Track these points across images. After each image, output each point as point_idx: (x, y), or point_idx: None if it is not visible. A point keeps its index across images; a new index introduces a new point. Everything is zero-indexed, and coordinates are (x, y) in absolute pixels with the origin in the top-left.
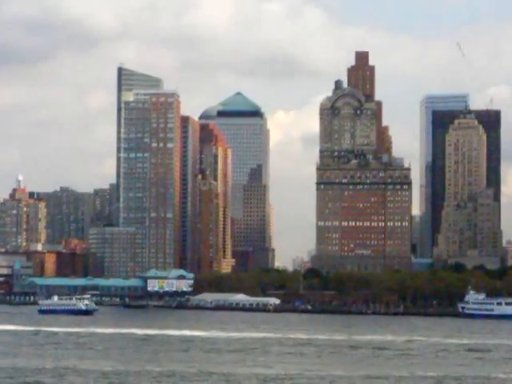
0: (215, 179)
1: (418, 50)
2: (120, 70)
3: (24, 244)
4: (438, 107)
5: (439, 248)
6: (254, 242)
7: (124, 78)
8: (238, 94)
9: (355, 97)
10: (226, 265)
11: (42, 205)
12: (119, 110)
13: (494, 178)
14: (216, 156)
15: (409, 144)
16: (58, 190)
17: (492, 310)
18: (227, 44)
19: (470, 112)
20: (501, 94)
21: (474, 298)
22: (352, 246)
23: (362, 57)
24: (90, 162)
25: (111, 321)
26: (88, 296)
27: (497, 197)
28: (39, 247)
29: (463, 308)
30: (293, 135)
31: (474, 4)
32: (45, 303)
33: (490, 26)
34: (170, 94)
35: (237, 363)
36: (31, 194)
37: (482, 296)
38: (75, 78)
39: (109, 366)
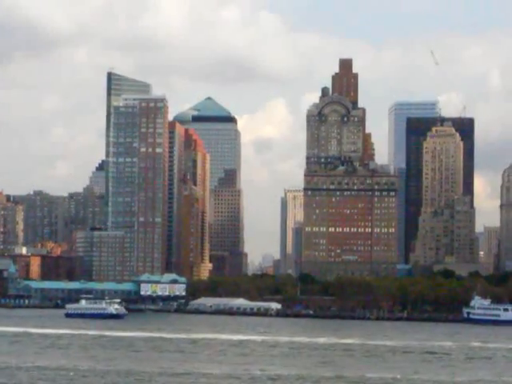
0: (194, 184)
1: (372, 55)
2: (109, 75)
3: (1, 247)
4: (407, 114)
5: (416, 254)
6: (229, 247)
7: (113, 82)
8: (209, 99)
9: (342, 104)
10: (204, 269)
11: (19, 208)
12: (108, 114)
13: (468, 185)
14: (195, 161)
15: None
16: (32, 193)
17: (498, 315)
18: (183, 48)
19: (446, 119)
20: (454, 101)
21: (479, 304)
22: (339, 251)
23: (345, 64)
24: (43, 165)
25: (166, 325)
26: (118, 300)
27: (471, 204)
28: (24, 250)
29: (468, 313)
30: (244, 140)
31: (424, 12)
32: (72, 307)
33: (441, 33)
34: (159, 99)
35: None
36: (7, 197)
37: (487, 302)
38: (30, 80)
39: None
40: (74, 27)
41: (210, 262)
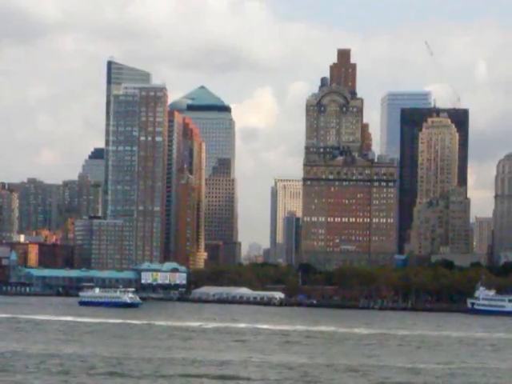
0: (190, 173)
1: (361, 45)
2: (110, 64)
3: None
4: (400, 104)
5: (411, 244)
6: (223, 236)
7: (113, 71)
8: (202, 87)
9: (341, 94)
10: (199, 258)
11: (15, 196)
12: (108, 103)
13: (462, 176)
14: (191, 150)
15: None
16: (26, 181)
17: (503, 306)
18: (170, 37)
19: (441, 110)
20: (439, 92)
21: (484, 295)
22: (337, 241)
23: (343, 54)
24: (29, 153)
25: (184, 312)
26: (132, 289)
27: (466, 195)
28: (22, 238)
29: (473, 304)
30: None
31: (412, 2)
32: (86, 295)
33: (427, 23)
34: (159, 88)
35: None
36: (2, 185)
37: (492, 292)
38: (17, 68)
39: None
40: (61, 15)
41: (205, 251)
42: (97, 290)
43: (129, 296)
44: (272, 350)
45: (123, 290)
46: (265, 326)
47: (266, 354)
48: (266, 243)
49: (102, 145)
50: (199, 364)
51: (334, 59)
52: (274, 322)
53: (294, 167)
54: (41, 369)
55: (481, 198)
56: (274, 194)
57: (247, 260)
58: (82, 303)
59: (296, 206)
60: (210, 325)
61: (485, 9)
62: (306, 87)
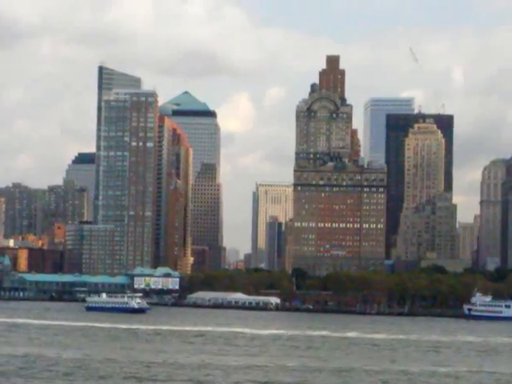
0: (178, 178)
1: (338, 51)
2: (101, 69)
3: None
4: (384, 110)
5: (397, 250)
6: (208, 241)
7: (104, 77)
8: (186, 93)
9: (331, 100)
10: (186, 263)
11: (1, 200)
12: (99, 108)
13: (448, 181)
14: (179, 155)
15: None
16: (11, 185)
17: (500, 312)
18: (148, 42)
19: (428, 116)
20: (418, 98)
21: (480, 300)
22: (328, 246)
23: (332, 61)
24: (5, 157)
25: (199, 319)
26: (140, 294)
27: (451, 200)
28: (11, 243)
29: (470, 310)
30: None
31: (390, 8)
32: (93, 300)
33: (405, 29)
34: (150, 94)
35: None
36: None
37: (488, 298)
38: None
39: None
40: (38, 19)
41: (192, 255)
42: (104, 295)
43: (136, 301)
44: (299, 355)
45: (130, 295)
46: (274, 332)
47: (297, 357)
48: (246, 248)
49: (83, 149)
50: (240, 369)
51: (318, 65)
52: (283, 327)
53: (272, 172)
54: (85, 373)
55: (460, 204)
56: (256, 199)
57: (226, 265)
58: (90, 308)
59: (278, 211)
60: (225, 329)
61: (461, 16)
62: (283, 92)
